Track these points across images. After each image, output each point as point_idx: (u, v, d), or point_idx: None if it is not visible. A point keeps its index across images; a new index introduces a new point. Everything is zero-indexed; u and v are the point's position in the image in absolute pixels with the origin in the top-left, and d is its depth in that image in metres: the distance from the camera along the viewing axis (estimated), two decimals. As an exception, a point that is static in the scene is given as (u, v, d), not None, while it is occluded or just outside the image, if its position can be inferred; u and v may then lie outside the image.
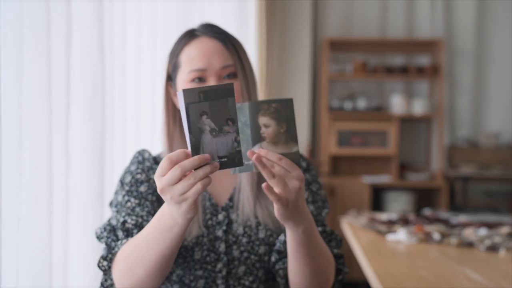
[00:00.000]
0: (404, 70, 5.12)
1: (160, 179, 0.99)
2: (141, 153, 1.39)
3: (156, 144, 2.20)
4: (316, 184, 1.42)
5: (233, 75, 1.31)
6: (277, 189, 1.03)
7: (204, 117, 0.95)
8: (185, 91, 0.93)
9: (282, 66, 5.22)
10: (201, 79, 1.30)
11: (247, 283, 1.32)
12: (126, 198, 1.30)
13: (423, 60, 5.44)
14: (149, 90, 2.21)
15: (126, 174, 1.36)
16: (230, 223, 1.33)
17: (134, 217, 1.27)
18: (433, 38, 5.24)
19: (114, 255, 1.23)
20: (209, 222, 1.32)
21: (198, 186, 0.98)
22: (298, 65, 5.23)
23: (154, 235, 1.11)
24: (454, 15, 5.43)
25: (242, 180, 1.33)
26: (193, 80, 1.30)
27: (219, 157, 0.97)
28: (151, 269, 1.14)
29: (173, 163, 0.97)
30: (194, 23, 1.39)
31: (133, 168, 1.36)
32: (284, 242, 1.30)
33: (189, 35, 1.35)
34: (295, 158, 1.05)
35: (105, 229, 1.28)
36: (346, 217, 2.99)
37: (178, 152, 0.98)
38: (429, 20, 5.40)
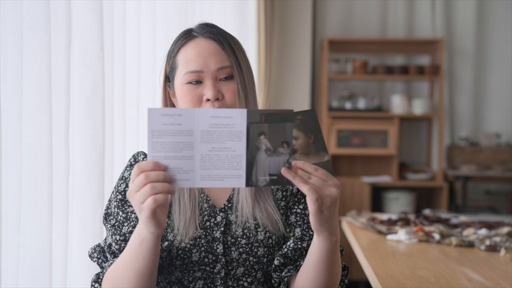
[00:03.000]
0: (404, 70, 5.12)
1: (130, 184, 1.06)
2: (135, 156, 1.38)
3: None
4: None
5: (230, 77, 1.30)
6: (312, 196, 1.07)
7: (262, 137, 1.05)
8: (248, 111, 1.03)
9: (282, 66, 5.22)
10: (198, 81, 1.29)
11: (246, 284, 1.32)
12: (117, 210, 1.33)
13: (423, 60, 5.44)
14: (149, 90, 2.21)
15: (120, 181, 1.36)
16: (228, 224, 1.32)
17: (119, 240, 1.29)
18: (433, 38, 5.24)
19: (102, 277, 1.28)
20: (207, 223, 1.31)
21: (150, 200, 1.03)
22: (298, 65, 5.23)
23: (129, 253, 1.17)
24: (454, 15, 5.43)
25: None
26: (189, 82, 1.29)
27: (270, 175, 1.07)
28: (139, 284, 1.18)
29: (141, 171, 1.04)
30: (194, 23, 1.38)
31: (126, 174, 1.36)
32: (294, 249, 1.31)
33: (186, 36, 1.33)
34: (328, 166, 1.10)
35: (95, 249, 1.33)
36: (346, 217, 2.99)
37: (149, 162, 1.04)
38: (429, 20, 5.40)
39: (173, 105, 1.36)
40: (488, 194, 5.22)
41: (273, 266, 1.32)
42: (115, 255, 1.29)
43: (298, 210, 1.36)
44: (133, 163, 1.36)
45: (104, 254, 1.32)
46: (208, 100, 1.28)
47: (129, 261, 1.17)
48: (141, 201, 1.04)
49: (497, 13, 5.39)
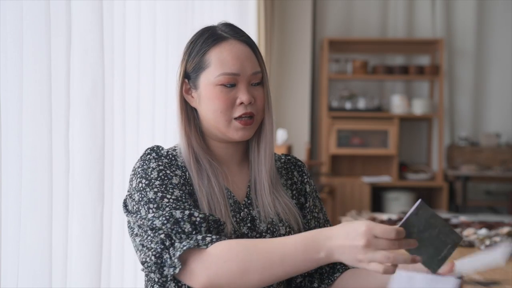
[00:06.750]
0: (404, 70, 5.12)
1: (378, 240, 1.03)
2: (154, 149, 1.31)
3: (155, 144, 2.20)
4: (316, 189, 1.46)
5: (260, 82, 1.32)
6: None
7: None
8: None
9: (282, 66, 5.21)
10: (232, 84, 1.28)
11: None
12: (160, 194, 1.22)
13: (423, 60, 5.44)
14: (149, 90, 2.21)
15: (147, 170, 1.26)
16: (252, 220, 1.32)
17: (199, 211, 1.20)
18: (433, 38, 5.24)
19: (199, 250, 1.15)
20: (234, 219, 1.31)
21: (385, 264, 1.03)
22: (298, 65, 5.23)
23: (295, 258, 1.10)
24: (454, 15, 5.44)
25: (256, 178, 1.34)
26: (223, 84, 1.28)
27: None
28: (267, 282, 1.13)
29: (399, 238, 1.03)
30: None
31: (153, 164, 1.27)
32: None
33: (216, 36, 1.32)
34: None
35: (168, 220, 1.17)
36: (346, 217, 2.99)
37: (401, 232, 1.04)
38: (429, 20, 5.41)
39: (185, 101, 1.34)
40: (488, 194, 5.23)
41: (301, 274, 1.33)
42: (195, 225, 1.18)
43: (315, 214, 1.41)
44: (156, 157, 1.29)
45: (179, 225, 1.18)
46: (241, 103, 1.28)
47: (289, 265, 1.11)
48: (381, 256, 1.02)
49: (497, 13, 5.39)
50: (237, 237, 1.29)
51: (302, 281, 1.36)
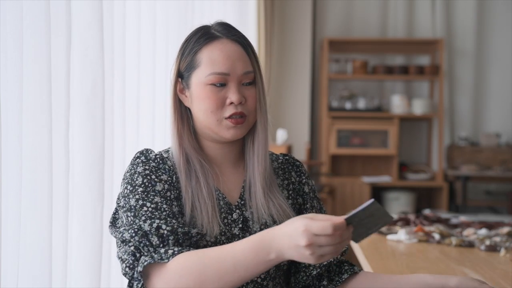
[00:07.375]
0: (404, 70, 5.12)
1: (322, 235, 1.03)
2: (143, 153, 1.32)
3: (155, 144, 2.20)
4: (315, 189, 1.45)
5: (252, 82, 1.31)
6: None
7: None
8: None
9: (282, 66, 5.21)
10: (222, 84, 1.28)
11: (259, 280, 1.32)
12: (141, 202, 1.23)
13: (423, 60, 5.44)
14: (149, 90, 2.21)
15: (134, 175, 1.27)
16: (245, 221, 1.32)
17: (168, 223, 1.20)
18: (433, 38, 5.24)
19: (160, 264, 1.17)
20: (225, 220, 1.31)
21: (331, 255, 1.05)
22: (298, 65, 5.23)
23: (247, 263, 1.11)
24: (454, 15, 5.44)
25: (251, 178, 1.33)
26: (213, 84, 1.28)
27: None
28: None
29: (339, 231, 1.03)
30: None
31: (140, 169, 1.28)
32: (340, 261, 1.36)
33: (208, 35, 1.31)
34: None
35: (136, 233, 1.20)
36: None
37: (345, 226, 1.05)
38: (429, 20, 5.41)
39: (179, 101, 1.35)
40: (488, 194, 5.23)
41: (310, 275, 1.35)
42: (163, 238, 1.19)
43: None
44: (144, 161, 1.30)
45: (147, 238, 1.19)
46: (231, 103, 1.28)
47: (242, 271, 1.11)
48: (328, 251, 1.04)
49: (497, 13, 5.39)
50: (227, 238, 1.28)
51: (311, 282, 1.37)
